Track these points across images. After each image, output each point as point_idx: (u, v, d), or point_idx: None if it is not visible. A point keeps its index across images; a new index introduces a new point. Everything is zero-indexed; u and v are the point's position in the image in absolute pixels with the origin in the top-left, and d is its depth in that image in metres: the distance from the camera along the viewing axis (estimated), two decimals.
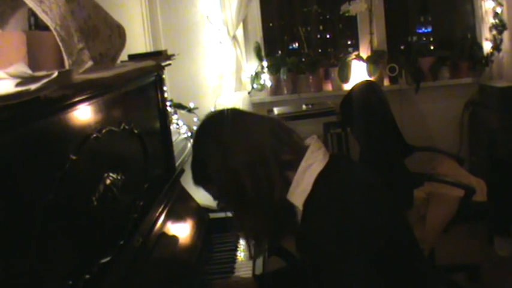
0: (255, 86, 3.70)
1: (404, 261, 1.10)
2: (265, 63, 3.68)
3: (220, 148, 1.16)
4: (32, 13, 1.45)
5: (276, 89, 3.78)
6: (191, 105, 3.43)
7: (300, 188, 1.12)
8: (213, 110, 3.39)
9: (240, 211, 1.22)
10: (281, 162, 1.15)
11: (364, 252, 1.02)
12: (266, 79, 3.69)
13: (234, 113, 1.25)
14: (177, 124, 3.11)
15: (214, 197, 1.26)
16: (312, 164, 1.12)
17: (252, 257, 1.47)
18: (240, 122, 1.21)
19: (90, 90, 1.12)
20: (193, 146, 1.29)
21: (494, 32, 3.56)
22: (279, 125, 1.22)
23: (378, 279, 1.03)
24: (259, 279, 1.49)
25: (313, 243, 1.07)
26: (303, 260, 1.22)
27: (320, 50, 4.06)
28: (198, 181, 1.27)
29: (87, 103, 1.12)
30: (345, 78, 3.63)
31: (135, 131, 1.42)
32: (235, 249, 1.77)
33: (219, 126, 1.21)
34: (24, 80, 0.82)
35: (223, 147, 1.16)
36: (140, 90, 1.59)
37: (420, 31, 4.18)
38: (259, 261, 1.71)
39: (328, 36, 4.21)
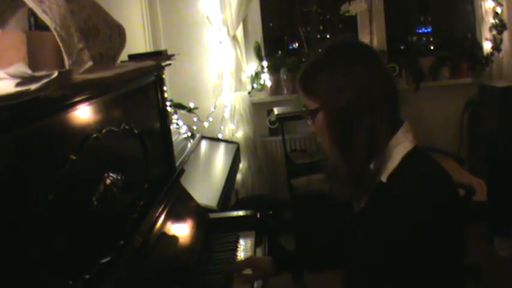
0: (255, 86, 3.70)
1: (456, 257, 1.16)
2: (265, 63, 3.68)
3: (350, 76, 1.15)
4: (32, 13, 1.46)
5: (276, 89, 3.79)
6: (191, 105, 3.43)
7: (387, 162, 1.16)
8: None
9: (332, 143, 1.20)
10: (389, 123, 1.17)
11: (440, 242, 1.09)
12: (266, 79, 3.69)
13: (376, 54, 1.25)
14: (177, 124, 3.11)
15: (309, 113, 1.22)
16: (403, 142, 1.17)
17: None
18: (378, 64, 1.20)
19: (90, 90, 1.12)
20: (323, 59, 1.22)
21: (494, 32, 3.56)
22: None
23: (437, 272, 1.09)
24: (276, 259, 1.54)
25: (390, 218, 1.12)
26: (358, 233, 1.26)
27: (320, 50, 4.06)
28: (306, 90, 1.22)
29: (87, 103, 1.12)
30: None
31: (135, 131, 1.42)
32: (235, 249, 1.76)
33: (360, 55, 1.20)
34: (24, 80, 0.82)
35: (352, 76, 1.15)
36: (140, 90, 1.59)
37: (420, 31, 4.18)
38: None
39: (328, 36, 4.21)
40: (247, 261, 1.60)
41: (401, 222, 1.10)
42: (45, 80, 0.82)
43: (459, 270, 1.17)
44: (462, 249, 1.16)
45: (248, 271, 1.55)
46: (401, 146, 1.16)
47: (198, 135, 3.19)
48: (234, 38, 3.53)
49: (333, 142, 1.19)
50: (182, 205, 1.77)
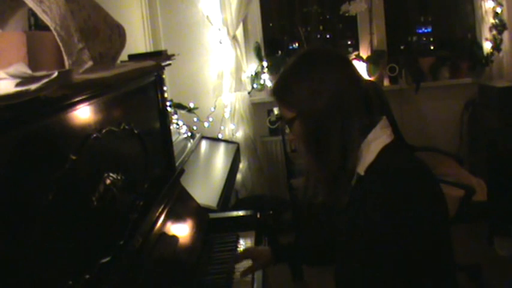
0: (255, 86, 3.70)
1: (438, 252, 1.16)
2: (265, 63, 3.68)
3: (318, 83, 1.18)
4: (32, 13, 1.46)
5: None
6: (191, 105, 3.43)
7: (364, 156, 1.18)
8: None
9: (308, 149, 1.24)
10: (362, 123, 1.20)
11: (409, 237, 1.09)
12: (266, 79, 3.69)
13: (344, 58, 1.27)
14: (177, 124, 3.11)
15: (286, 122, 1.25)
16: (380, 137, 1.19)
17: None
18: (347, 68, 1.23)
19: (90, 90, 1.12)
20: (293, 68, 1.25)
21: (494, 32, 3.56)
22: (374, 88, 1.26)
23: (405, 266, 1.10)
24: (275, 248, 1.58)
25: (366, 211, 1.13)
26: (340, 225, 1.28)
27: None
28: (281, 100, 1.25)
29: (87, 103, 1.12)
30: None
31: (135, 131, 1.42)
32: (235, 249, 1.76)
33: (328, 63, 1.22)
34: (24, 80, 0.82)
35: (321, 83, 1.17)
36: (140, 90, 1.59)
37: (420, 31, 4.18)
38: None
39: (328, 36, 4.21)
40: (246, 252, 1.63)
41: (376, 216, 1.11)
42: (45, 80, 0.82)
43: (442, 268, 1.15)
44: (445, 246, 1.15)
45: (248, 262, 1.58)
46: (378, 140, 1.19)
47: (198, 135, 3.19)
48: (234, 38, 3.53)
49: (309, 147, 1.22)
50: (182, 205, 1.77)
